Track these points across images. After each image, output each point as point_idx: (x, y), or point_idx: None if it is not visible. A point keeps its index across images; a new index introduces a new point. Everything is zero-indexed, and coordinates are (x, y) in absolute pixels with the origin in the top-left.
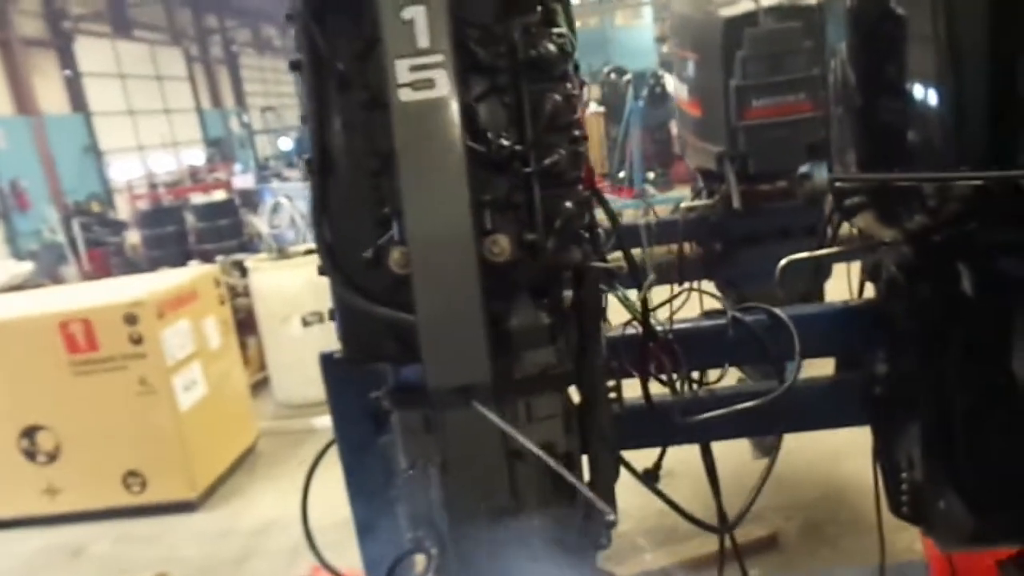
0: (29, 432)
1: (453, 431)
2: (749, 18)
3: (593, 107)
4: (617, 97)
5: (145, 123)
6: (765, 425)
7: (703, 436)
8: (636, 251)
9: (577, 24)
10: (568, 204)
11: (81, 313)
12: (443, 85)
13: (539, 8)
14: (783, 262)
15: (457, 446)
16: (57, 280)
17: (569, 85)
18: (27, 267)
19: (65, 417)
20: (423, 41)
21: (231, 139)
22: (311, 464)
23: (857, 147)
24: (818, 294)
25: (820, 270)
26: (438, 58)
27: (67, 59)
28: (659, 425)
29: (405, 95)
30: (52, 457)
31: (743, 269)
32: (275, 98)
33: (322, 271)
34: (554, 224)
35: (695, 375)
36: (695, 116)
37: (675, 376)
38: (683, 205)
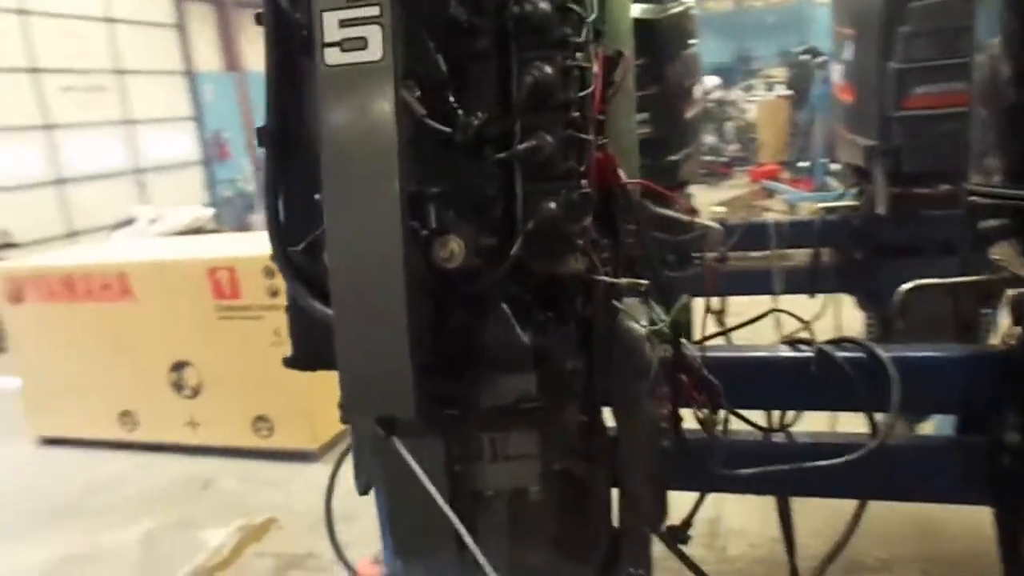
0: (178, 367)
1: (387, 461)
2: None
3: (779, 90)
4: (806, 80)
5: None
6: (845, 487)
7: (758, 488)
8: (763, 254)
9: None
10: (551, 204)
11: (228, 262)
12: (376, 46)
13: None
14: (904, 288)
15: (391, 479)
16: (243, 227)
17: (577, 55)
18: (208, 213)
19: (209, 357)
20: None
21: None
22: (337, 461)
23: (1003, 156)
24: (979, 328)
25: (986, 298)
26: (372, 11)
27: None
28: (694, 471)
29: (332, 57)
30: (196, 392)
31: (889, 283)
32: None
33: (272, 258)
34: (525, 226)
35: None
36: (846, 103)
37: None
38: (820, 205)
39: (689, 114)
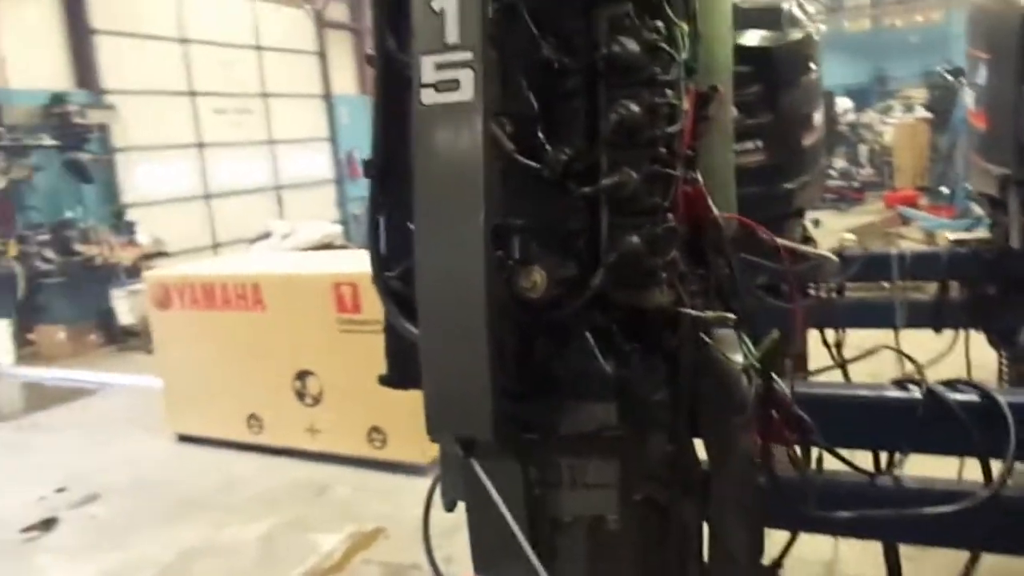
0: (301, 375)
1: (468, 479)
2: None
3: (919, 111)
4: (948, 102)
5: None
6: (954, 536)
7: (858, 532)
8: (885, 286)
9: (918, 19)
10: (634, 238)
11: (351, 277)
12: (468, 87)
13: None
14: None
15: (472, 496)
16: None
17: (667, 92)
18: (337, 229)
19: (330, 368)
20: (452, 35)
21: None
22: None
23: None
24: None
25: None
26: (466, 55)
27: None
28: (786, 510)
29: (428, 97)
30: (316, 400)
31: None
32: None
33: (372, 281)
34: (607, 259)
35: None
36: (980, 129)
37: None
38: (950, 236)
39: (807, 141)
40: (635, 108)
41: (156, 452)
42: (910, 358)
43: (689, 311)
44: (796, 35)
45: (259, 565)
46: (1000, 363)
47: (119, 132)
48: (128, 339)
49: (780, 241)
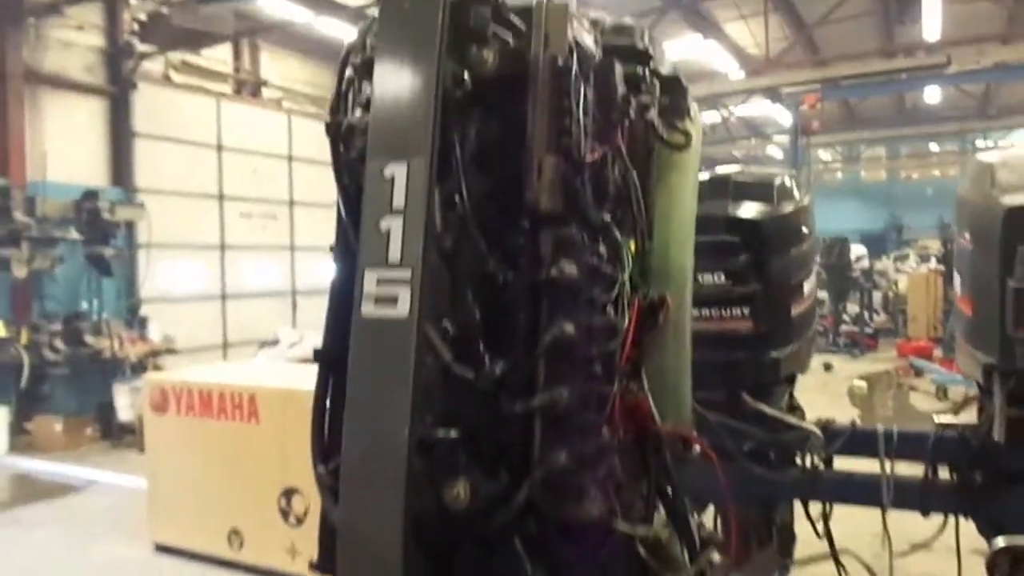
0: (288, 493)
1: None
2: None
3: (934, 262)
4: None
5: None
6: None
7: None
8: (873, 464)
9: (934, 172)
10: (562, 454)
11: None
12: (405, 304)
13: (582, 220)
14: (996, 546)
15: None
16: None
17: (607, 310)
18: None
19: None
20: (394, 254)
21: None
22: None
23: None
24: None
25: None
26: (404, 274)
27: None
28: None
29: (367, 308)
30: (300, 521)
31: (1015, 512)
32: None
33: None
34: (536, 474)
35: None
36: (966, 314)
37: None
38: (937, 419)
39: (797, 310)
40: (571, 329)
41: (131, 563)
42: None
43: (620, 526)
44: (788, 208)
45: None
46: (991, 552)
47: (145, 229)
48: (124, 436)
49: (765, 409)
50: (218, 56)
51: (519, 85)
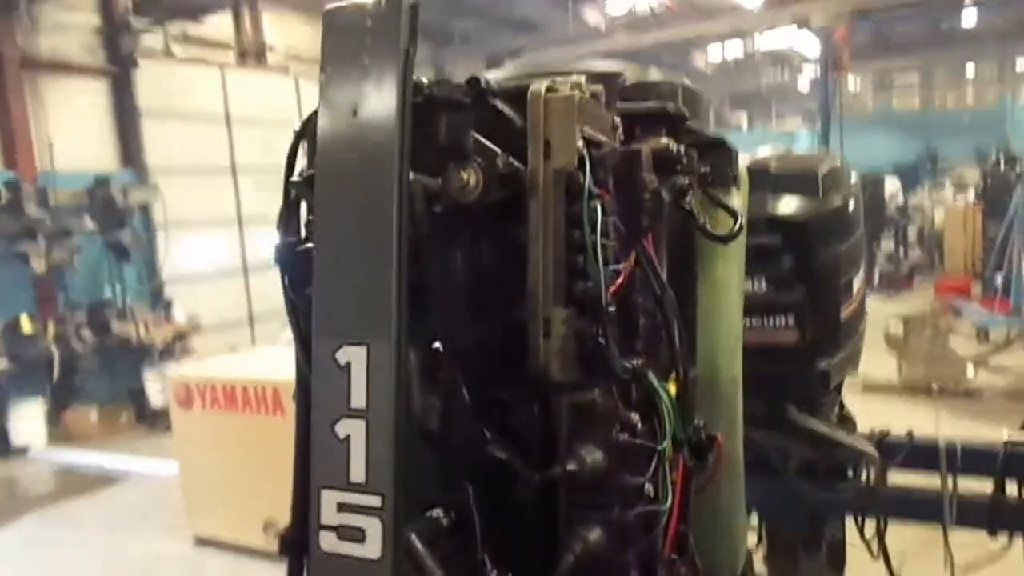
0: None
1: None
2: None
3: (971, 195)
4: (1001, 191)
5: None
6: None
7: None
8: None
9: (968, 99)
10: None
11: None
12: (375, 542)
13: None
14: None
15: None
16: None
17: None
18: None
19: None
20: (357, 472)
21: None
22: None
23: None
24: None
25: None
26: (374, 501)
27: None
28: None
29: (327, 542)
30: None
31: None
32: None
33: None
34: None
35: None
36: None
37: None
38: (1007, 435)
39: (845, 313)
40: (599, 538)
41: (173, 558)
42: None
43: None
44: (835, 201)
45: None
46: None
47: (160, 209)
48: (158, 420)
49: (814, 425)
50: (219, 25)
51: (515, 207)
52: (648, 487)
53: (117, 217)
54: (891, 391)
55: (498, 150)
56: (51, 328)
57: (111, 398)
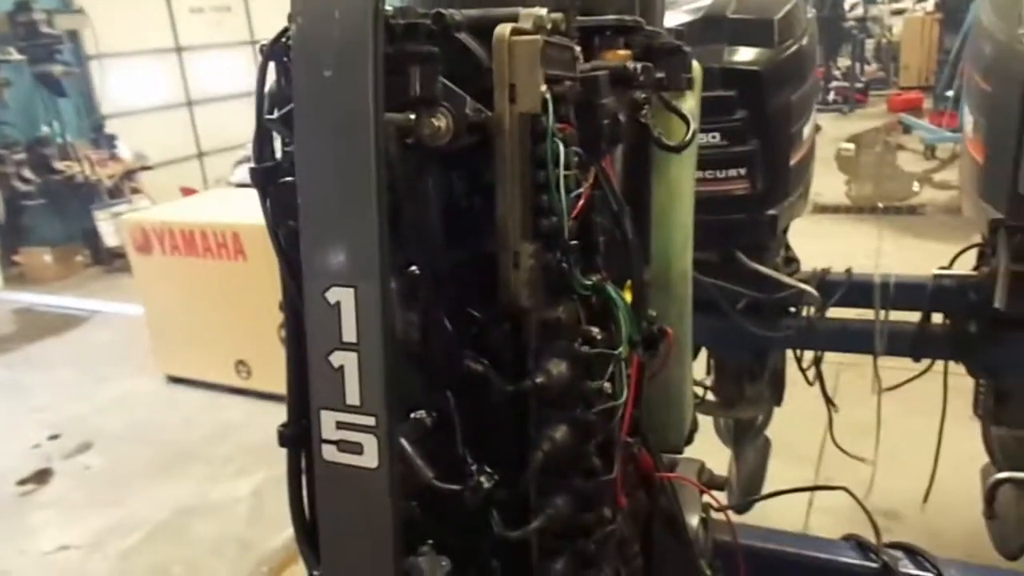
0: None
1: None
2: None
3: (930, 6)
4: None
5: None
6: None
7: None
8: (869, 314)
9: None
10: (562, 562)
11: None
12: (372, 454)
13: None
14: (994, 478)
15: None
16: None
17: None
18: None
19: None
20: (352, 395)
21: None
22: None
23: None
24: None
25: None
26: (368, 420)
27: None
28: None
29: (329, 453)
30: None
31: (1008, 356)
32: None
33: None
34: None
35: None
36: (976, 161)
37: None
38: (934, 270)
39: (794, 160)
40: (564, 436)
41: (147, 395)
42: (870, 516)
43: None
44: (790, 49)
45: (250, 526)
46: (976, 392)
47: (90, 38)
48: (115, 260)
49: (760, 269)
50: None
51: (484, 149)
52: (607, 386)
53: (45, 46)
54: (839, 211)
55: (466, 96)
56: None
57: (64, 239)
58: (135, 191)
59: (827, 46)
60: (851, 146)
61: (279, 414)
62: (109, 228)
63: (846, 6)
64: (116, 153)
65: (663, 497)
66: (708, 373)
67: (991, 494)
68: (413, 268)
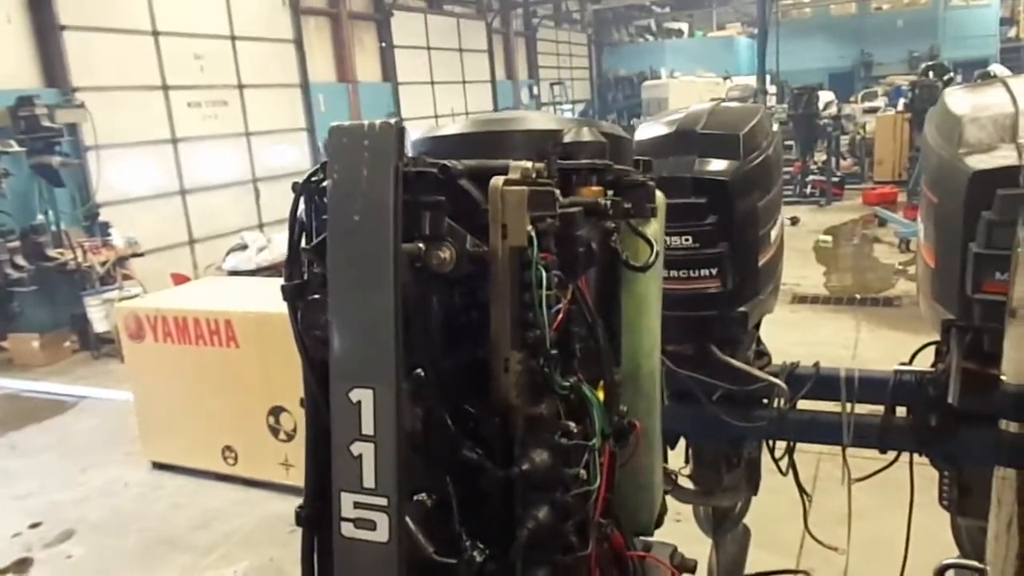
0: (275, 411)
1: None
2: (1005, 175)
3: (900, 106)
4: (930, 100)
5: (443, 93)
6: None
7: None
8: (835, 407)
9: (904, 2)
10: None
11: None
12: (384, 530)
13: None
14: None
15: None
16: None
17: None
18: None
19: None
20: (368, 479)
21: (519, 109)
22: None
23: None
24: None
25: None
26: (381, 501)
27: (384, 32)
28: None
29: (347, 530)
30: (290, 436)
31: (966, 449)
32: (566, 70)
33: None
34: None
35: None
36: (928, 265)
37: None
38: (896, 366)
39: (763, 260)
40: (545, 516)
41: (132, 482)
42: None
43: None
44: (755, 160)
45: None
46: (940, 483)
47: (90, 130)
48: (103, 346)
49: (731, 362)
50: None
51: (480, 276)
52: (582, 473)
53: (44, 139)
54: (818, 301)
55: (467, 234)
56: None
57: (53, 325)
58: (126, 277)
59: (804, 142)
60: (829, 238)
61: (263, 501)
62: (99, 314)
63: (820, 105)
64: (109, 240)
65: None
66: (687, 462)
67: None
68: (419, 371)
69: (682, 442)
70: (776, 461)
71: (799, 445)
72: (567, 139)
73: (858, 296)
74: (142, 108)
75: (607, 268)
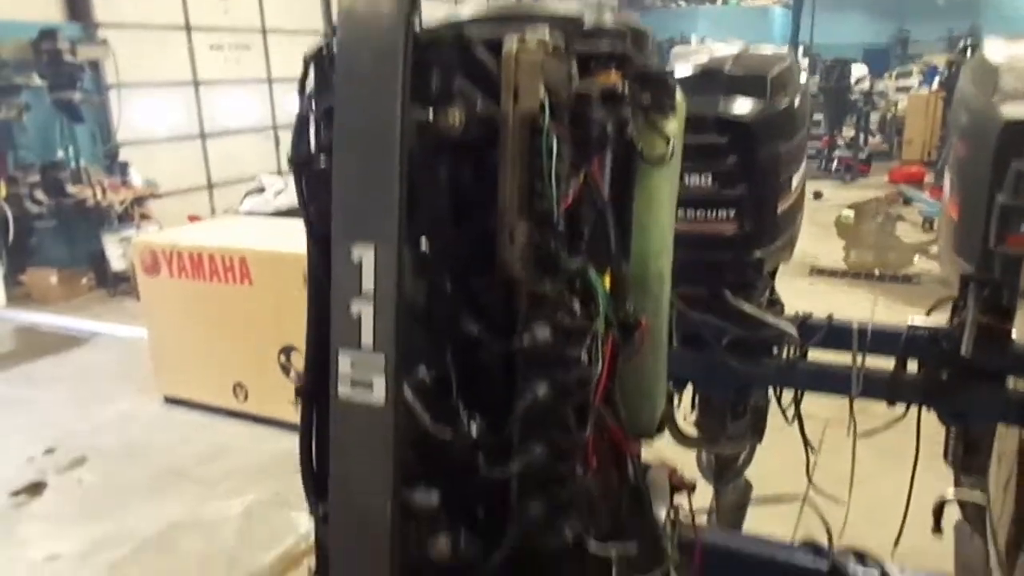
0: (287, 350)
1: None
2: None
3: (935, 85)
4: None
5: None
6: None
7: None
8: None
9: None
10: (539, 504)
11: None
12: (380, 391)
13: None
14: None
15: None
16: None
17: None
18: None
19: None
20: (367, 337)
21: None
22: None
23: None
24: None
25: None
26: (378, 360)
27: None
28: None
29: (343, 390)
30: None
31: (975, 405)
32: None
33: None
34: (512, 531)
35: None
36: (952, 219)
37: None
38: (910, 320)
39: (782, 207)
40: (544, 393)
41: (144, 414)
42: (825, 523)
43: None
44: (782, 103)
45: (239, 543)
46: (947, 439)
47: (111, 68)
48: (120, 284)
49: (744, 307)
50: None
51: (490, 142)
52: (584, 356)
53: (66, 74)
54: (836, 275)
55: (478, 92)
56: (2, 188)
57: (70, 261)
58: (144, 217)
59: (832, 117)
60: (851, 213)
61: (272, 438)
62: (116, 252)
63: (852, 79)
64: (128, 180)
65: (631, 471)
66: (693, 409)
67: (937, 512)
68: (423, 243)
69: (689, 389)
70: (783, 410)
71: (806, 411)
72: (588, 24)
73: (877, 272)
74: (165, 48)
75: (621, 161)
